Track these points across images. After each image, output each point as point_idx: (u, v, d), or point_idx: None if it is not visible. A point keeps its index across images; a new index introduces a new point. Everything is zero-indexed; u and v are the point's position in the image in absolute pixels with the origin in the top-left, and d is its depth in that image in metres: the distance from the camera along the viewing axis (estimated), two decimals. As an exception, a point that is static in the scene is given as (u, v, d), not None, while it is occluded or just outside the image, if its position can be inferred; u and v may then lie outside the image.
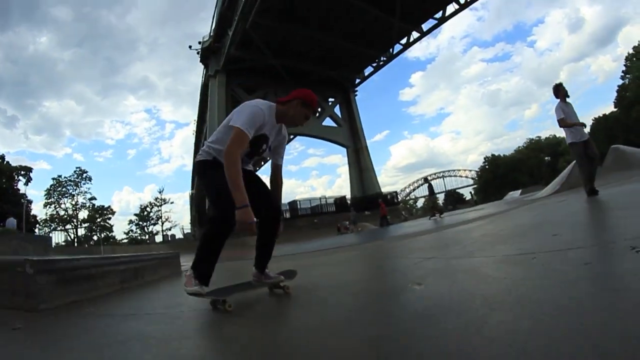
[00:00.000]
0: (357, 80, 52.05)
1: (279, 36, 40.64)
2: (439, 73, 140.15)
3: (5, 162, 40.17)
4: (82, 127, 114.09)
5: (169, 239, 48.62)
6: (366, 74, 51.09)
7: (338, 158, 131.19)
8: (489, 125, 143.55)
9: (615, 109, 54.28)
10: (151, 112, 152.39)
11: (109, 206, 52.04)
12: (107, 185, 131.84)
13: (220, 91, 43.21)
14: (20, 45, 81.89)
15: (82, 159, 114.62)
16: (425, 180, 59.61)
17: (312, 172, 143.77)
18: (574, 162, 10.19)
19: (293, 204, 44.27)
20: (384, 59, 47.83)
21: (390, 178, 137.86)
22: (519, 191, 37.04)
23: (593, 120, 59.50)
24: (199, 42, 46.21)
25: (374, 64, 49.07)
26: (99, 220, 50.39)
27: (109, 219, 51.50)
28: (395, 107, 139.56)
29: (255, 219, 2.28)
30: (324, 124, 49.97)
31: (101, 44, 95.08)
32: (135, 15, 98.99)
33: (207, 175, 2.57)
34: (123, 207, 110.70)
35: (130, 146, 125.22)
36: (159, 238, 50.39)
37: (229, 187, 2.26)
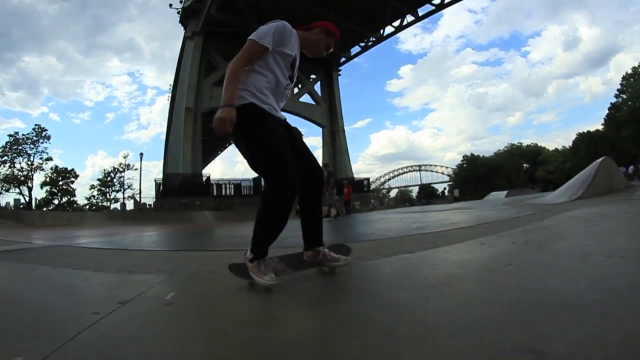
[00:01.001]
0: (342, 60, 49.65)
1: (265, 1, 38.11)
2: (429, 69, 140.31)
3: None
4: (61, 86, 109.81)
5: (116, 208, 45.62)
6: (352, 53, 48.79)
7: (317, 140, 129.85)
8: (472, 126, 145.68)
9: (602, 127, 55.70)
10: (134, 76, 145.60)
11: (72, 169, 48.79)
12: (82, 148, 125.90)
13: (195, 54, 40.02)
14: (4, -7, 75.24)
15: (59, 119, 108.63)
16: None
17: None
18: (600, 161, 8.67)
19: (257, 180, 42.10)
20: (374, 39, 45.57)
21: (367, 166, 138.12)
22: (504, 192, 35.88)
23: (577, 135, 60.59)
24: (180, 1, 42.52)
25: (362, 44, 46.79)
26: (61, 183, 47.04)
27: (72, 182, 48.18)
28: (381, 96, 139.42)
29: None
30: (301, 100, 47.76)
31: (90, 0, 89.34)
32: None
33: (247, 130, 2.19)
34: (97, 171, 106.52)
35: (109, 109, 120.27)
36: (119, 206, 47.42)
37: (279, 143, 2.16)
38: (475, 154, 74.60)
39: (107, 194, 48.13)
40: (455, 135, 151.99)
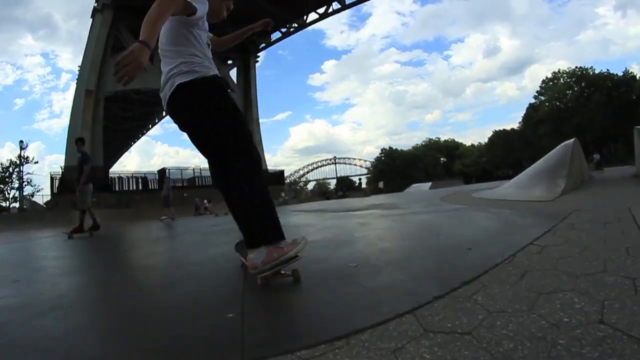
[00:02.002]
0: (262, 45, 46.02)
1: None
2: (352, 65, 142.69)
3: None
4: None
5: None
6: (273, 39, 45.36)
7: None
8: (391, 121, 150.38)
9: (519, 125, 61.17)
10: (48, 57, 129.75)
11: None
12: None
13: (102, 30, 33.78)
14: None
15: None
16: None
17: None
18: (572, 143, 6.24)
19: (162, 172, 37.16)
20: (296, 25, 42.62)
21: (286, 158, 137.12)
22: (427, 184, 34.23)
23: (493, 132, 64.72)
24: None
25: (284, 29, 43.55)
26: None
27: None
28: (302, 89, 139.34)
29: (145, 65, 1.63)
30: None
31: None
32: None
33: (208, 105, 2.04)
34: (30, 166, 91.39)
35: (19, 94, 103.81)
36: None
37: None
38: (394, 148, 75.07)
39: (5, 192, 38.93)
40: (374, 129, 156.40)
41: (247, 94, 44.62)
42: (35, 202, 36.25)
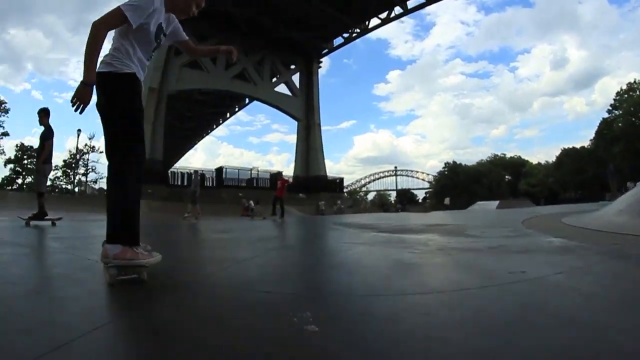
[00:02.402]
0: (325, 51, 46.68)
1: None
2: (417, 76, 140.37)
3: None
4: (46, 63, 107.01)
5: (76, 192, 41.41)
6: (335, 44, 45.81)
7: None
8: (455, 135, 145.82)
9: (590, 142, 55.81)
10: None
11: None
12: (64, 129, 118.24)
13: None
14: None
15: (41, 97, 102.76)
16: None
17: (272, 148, 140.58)
18: None
19: (219, 170, 38.93)
20: (358, 31, 42.78)
21: (348, 167, 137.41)
22: (494, 202, 32.14)
23: (562, 150, 60.21)
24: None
25: (346, 35, 43.88)
26: (26, 162, 42.39)
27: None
28: (367, 99, 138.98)
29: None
30: (277, 89, 44.72)
31: None
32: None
33: (112, 99, 2.28)
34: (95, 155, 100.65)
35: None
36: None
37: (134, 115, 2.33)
38: (458, 163, 72.64)
39: (71, 176, 43.11)
40: (438, 143, 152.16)
41: (309, 99, 45.42)
42: (101, 189, 39.34)
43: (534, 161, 71.97)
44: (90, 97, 2.13)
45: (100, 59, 2.21)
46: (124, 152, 2.20)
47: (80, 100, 2.11)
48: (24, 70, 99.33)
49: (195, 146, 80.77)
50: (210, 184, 37.81)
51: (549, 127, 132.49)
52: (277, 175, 41.62)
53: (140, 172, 2.27)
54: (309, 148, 44.55)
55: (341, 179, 46.62)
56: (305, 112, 45.26)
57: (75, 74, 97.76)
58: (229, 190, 35.16)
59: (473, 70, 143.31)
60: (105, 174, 2.29)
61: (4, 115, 38.78)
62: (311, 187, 40.97)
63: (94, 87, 2.17)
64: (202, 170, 38.48)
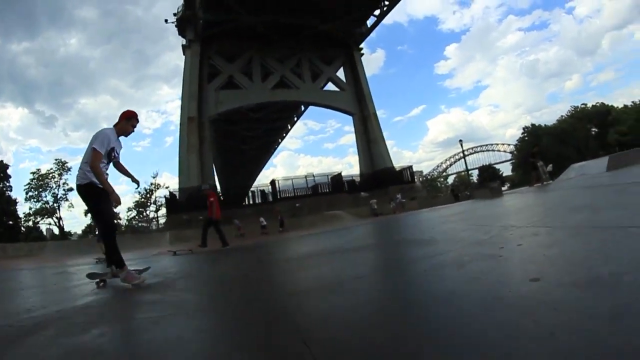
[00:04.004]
0: (362, 31, 43.75)
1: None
2: (475, 44, 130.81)
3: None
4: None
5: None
6: (369, 25, 42.68)
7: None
8: (529, 97, 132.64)
9: None
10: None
11: None
12: (147, 172, 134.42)
13: (193, 62, 37.39)
14: (50, 49, 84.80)
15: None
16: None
17: (349, 150, 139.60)
18: None
19: (272, 183, 38.33)
20: (387, 2, 39.10)
21: (427, 154, 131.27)
22: (600, 162, 19.88)
23: None
24: (174, 14, 40.15)
25: (377, 12, 40.45)
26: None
27: (115, 207, 48.98)
28: (430, 80, 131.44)
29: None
30: (324, 88, 43.18)
31: (130, 38, 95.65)
32: (162, 4, 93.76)
33: (93, 200, 4.05)
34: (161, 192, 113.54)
35: (168, 133, 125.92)
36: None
37: (108, 207, 4.14)
38: (537, 125, 62.86)
39: (142, 213, 46.95)
40: (513, 109, 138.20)
41: (359, 90, 42.83)
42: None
43: (619, 105, 58.53)
44: (116, 199, 4.10)
45: (78, 170, 4.10)
46: (103, 224, 4.23)
47: (117, 199, 4.07)
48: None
49: (274, 162, 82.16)
50: (262, 200, 37.51)
51: (625, 65, 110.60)
52: (336, 177, 39.99)
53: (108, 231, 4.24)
54: (369, 140, 41.70)
55: (410, 168, 42.58)
56: (357, 104, 42.68)
57: (146, 122, 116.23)
58: (284, 203, 34.06)
59: (529, 23, 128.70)
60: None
61: (68, 174, 42.73)
62: (380, 182, 38.19)
63: (80, 194, 4.13)
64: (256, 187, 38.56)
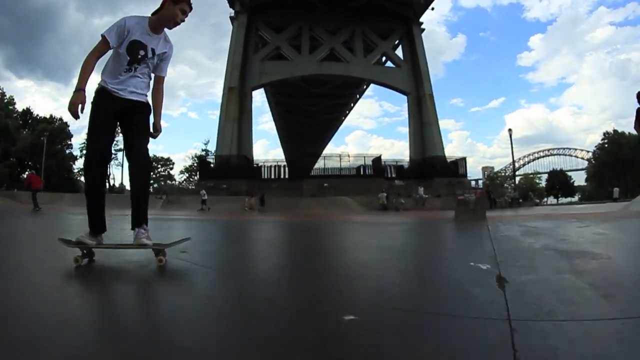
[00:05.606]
0: (422, 2, 39.58)
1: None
2: (561, 36, 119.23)
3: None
4: (196, 89, 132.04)
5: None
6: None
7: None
8: (616, 101, 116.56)
9: None
10: None
11: (169, 157, 59.66)
12: (212, 139, 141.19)
13: (239, 32, 36.93)
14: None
15: (197, 116, 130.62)
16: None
17: None
18: None
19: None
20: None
21: (502, 149, 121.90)
22: None
23: None
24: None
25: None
26: (160, 169, 56.97)
27: (171, 169, 59.13)
28: (512, 71, 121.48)
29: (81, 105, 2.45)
30: (378, 64, 40.24)
31: (208, 12, 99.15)
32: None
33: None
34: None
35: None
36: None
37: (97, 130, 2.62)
38: (620, 132, 53.26)
39: (191, 179, 53.47)
40: (597, 113, 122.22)
41: (416, 68, 39.36)
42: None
43: None
44: (79, 100, 2.45)
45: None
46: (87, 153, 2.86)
47: (71, 106, 2.44)
48: (179, 98, 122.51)
49: (346, 140, 79.98)
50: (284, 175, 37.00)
51: None
52: (377, 160, 37.13)
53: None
54: (423, 123, 38.19)
55: (463, 159, 38.52)
56: (413, 83, 39.23)
57: (221, 92, 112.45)
58: (312, 181, 32.51)
59: (622, 17, 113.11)
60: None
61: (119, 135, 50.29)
62: (426, 172, 34.80)
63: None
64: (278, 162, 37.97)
